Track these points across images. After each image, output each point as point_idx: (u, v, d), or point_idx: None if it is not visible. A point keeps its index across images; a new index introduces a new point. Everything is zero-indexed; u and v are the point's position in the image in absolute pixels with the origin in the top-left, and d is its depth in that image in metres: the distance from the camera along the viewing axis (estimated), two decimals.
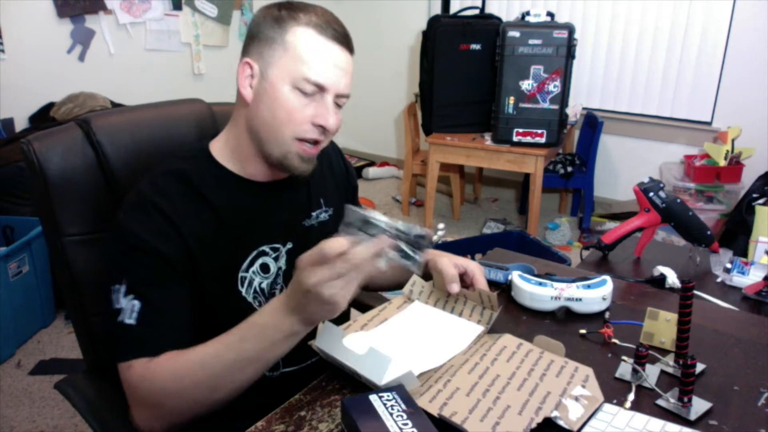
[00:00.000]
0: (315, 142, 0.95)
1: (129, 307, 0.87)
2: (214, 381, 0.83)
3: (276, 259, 1.01)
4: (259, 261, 0.99)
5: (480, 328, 0.98)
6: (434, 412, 0.76)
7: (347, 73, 0.95)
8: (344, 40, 0.94)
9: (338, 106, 0.96)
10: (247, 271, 0.97)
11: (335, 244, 0.74)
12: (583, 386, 0.82)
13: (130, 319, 0.86)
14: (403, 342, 0.95)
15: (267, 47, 0.93)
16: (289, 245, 1.02)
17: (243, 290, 0.97)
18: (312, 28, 0.92)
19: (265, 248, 0.99)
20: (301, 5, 0.95)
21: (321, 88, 0.92)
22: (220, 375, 0.82)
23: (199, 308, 0.93)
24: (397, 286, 1.14)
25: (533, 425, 0.74)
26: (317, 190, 1.10)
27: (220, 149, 1.01)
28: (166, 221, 0.91)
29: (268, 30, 0.93)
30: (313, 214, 1.08)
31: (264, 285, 0.99)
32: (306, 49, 0.91)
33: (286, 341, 0.82)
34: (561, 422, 0.75)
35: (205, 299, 0.93)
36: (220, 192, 0.97)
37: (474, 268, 1.06)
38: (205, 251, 0.92)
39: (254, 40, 0.95)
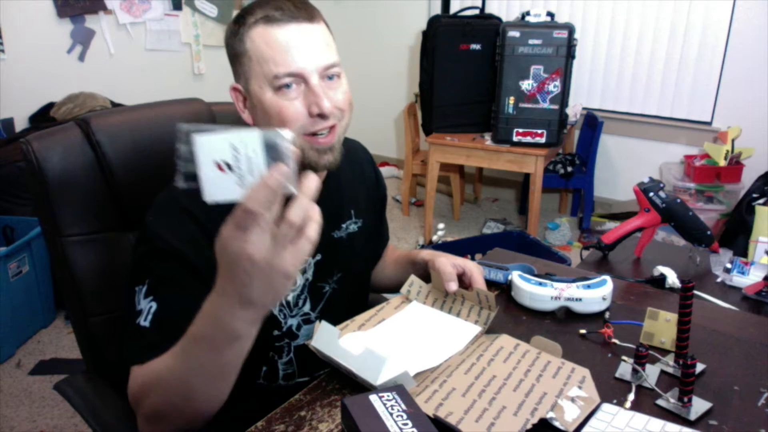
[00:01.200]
0: (326, 131, 0.90)
1: (146, 309, 0.84)
2: (171, 394, 0.76)
3: (303, 271, 0.99)
4: None
5: (477, 329, 0.98)
6: (430, 412, 0.76)
7: (316, 43, 0.89)
8: (297, 13, 0.88)
9: (332, 78, 0.90)
10: None
11: (246, 201, 0.58)
12: (580, 387, 0.82)
13: (144, 322, 0.84)
14: (400, 342, 0.94)
15: (239, 65, 0.92)
16: (318, 257, 1.01)
17: None
18: (261, 24, 0.88)
19: None
20: (250, 6, 0.91)
21: (297, 76, 0.87)
22: (174, 388, 0.75)
23: None
24: (398, 286, 1.14)
25: (528, 426, 0.74)
26: (348, 201, 1.09)
27: None
28: (198, 228, 0.88)
29: (234, 48, 0.92)
30: (343, 225, 1.07)
31: (290, 297, 0.98)
32: (263, 46, 0.87)
33: (232, 344, 0.69)
34: (557, 423, 0.75)
35: None
36: None
37: (472, 267, 1.06)
38: None
39: (231, 63, 0.94)
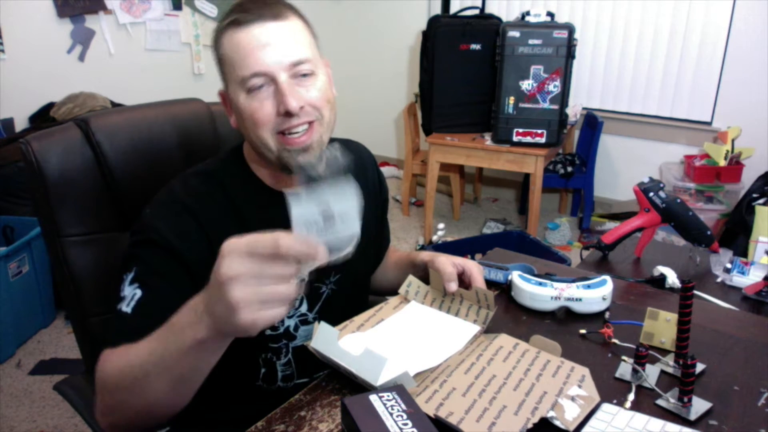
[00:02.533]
0: (302, 129, 0.89)
1: (130, 295, 0.84)
2: (133, 385, 0.74)
3: None
4: None
5: (476, 328, 0.98)
6: (430, 412, 0.76)
7: (281, 41, 0.87)
8: (262, 12, 0.87)
9: (305, 75, 0.89)
10: None
11: (281, 240, 0.62)
12: (580, 386, 0.82)
13: (127, 308, 0.84)
14: (399, 342, 0.94)
15: (221, 70, 0.93)
16: None
17: None
18: (230, 28, 0.88)
19: None
20: (228, 11, 0.91)
21: (264, 75, 0.86)
22: (137, 379, 0.74)
23: None
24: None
25: (529, 425, 0.74)
26: None
27: (249, 154, 0.99)
28: (195, 223, 0.89)
29: (215, 54, 0.93)
30: None
31: None
32: (231, 50, 0.88)
33: (195, 349, 0.69)
34: (557, 422, 0.75)
35: None
36: (248, 199, 0.95)
37: (472, 267, 1.06)
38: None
39: (218, 68, 0.95)
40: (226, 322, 0.63)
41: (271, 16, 0.87)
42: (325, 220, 0.65)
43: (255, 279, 0.61)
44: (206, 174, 0.96)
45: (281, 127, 0.88)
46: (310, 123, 0.90)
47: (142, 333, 0.79)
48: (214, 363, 0.72)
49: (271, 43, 0.86)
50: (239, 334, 0.65)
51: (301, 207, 0.65)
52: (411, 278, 1.09)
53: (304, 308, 1.02)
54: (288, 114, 0.87)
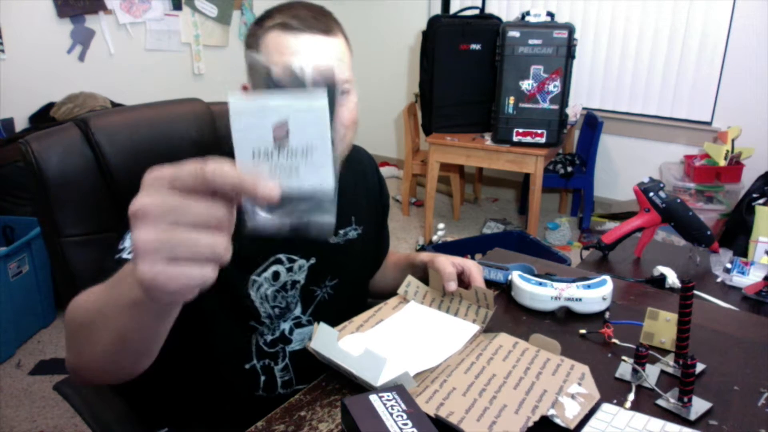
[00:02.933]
0: None
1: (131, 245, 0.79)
2: (80, 330, 0.65)
3: (290, 270, 0.99)
4: (273, 268, 0.97)
5: (476, 328, 0.98)
6: (431, 412, 0.76)
7: (327, 56, 0.88)
8: (313, 24, 0.87)
9: (342, 93, 0.90)
10: (260, 275, 0.96)
11: (209, 164, 0.46)
12: (580, 384, 0.82)
13: (128, 255, 0.80)
14: (399, 342, 0.94)
15: (251, 67, 0.91)
16: (312, 260, 1.01)
17: (252, 292, 0.96)
18: (276, 30, 0.88)
19: (281, 257, 0.98)
20: (272, 10, 0.91)
21: None
22: (83, 326, 0.64)
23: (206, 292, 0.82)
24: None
25: (530, 424, 0.74)
26: (349, 207, 1.08)
27: None
28: None
29: (249, 48, 0.92)
30: (341, 231, 1.06)
31: (269, 292, 0.98)
32: (273, 52, 0.88)
33: (129, 308, 0.54)
34: (558, 420, 0.75)
35: (215, 286, 0.86)
36: None
37: (471, 266, 1.06)
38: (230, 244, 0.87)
39: (246, 62, 0.94)
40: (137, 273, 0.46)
41: (322, 29, 0.88)
42: (277, 140, 0.47)
43: (168, 220, 0.45)
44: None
45: None
46: None
47: None
48: (160, 329, 0.58)
49: (317, 57, 0.87)
50: (149, 293, 0.47)
51: (245, 115, 0.47)
52: (410, 278, 1.09)
53: (297, 311, 1.02)
54: None
